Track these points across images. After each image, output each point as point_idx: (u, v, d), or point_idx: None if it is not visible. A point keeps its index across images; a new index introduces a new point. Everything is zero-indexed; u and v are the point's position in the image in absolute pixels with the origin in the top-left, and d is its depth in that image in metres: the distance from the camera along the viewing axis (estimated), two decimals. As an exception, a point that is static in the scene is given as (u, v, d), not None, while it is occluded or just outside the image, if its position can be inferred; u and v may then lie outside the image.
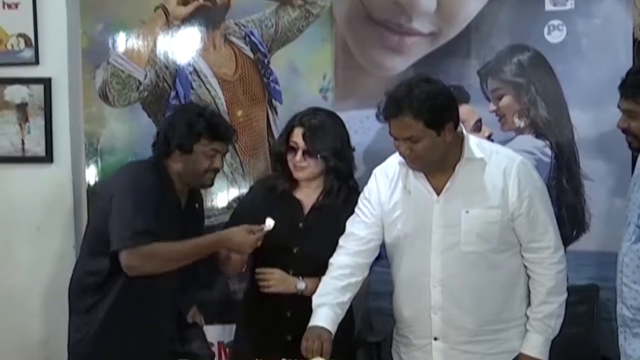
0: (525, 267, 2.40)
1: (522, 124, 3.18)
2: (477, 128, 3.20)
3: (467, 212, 2.34)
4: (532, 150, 3.18)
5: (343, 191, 2.64)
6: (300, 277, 2.59)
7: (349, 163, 2.66)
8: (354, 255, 2.48)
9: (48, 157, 3.26)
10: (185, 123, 2.58)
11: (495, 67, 3.20)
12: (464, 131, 2.40)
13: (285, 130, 2.70)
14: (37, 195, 3.21)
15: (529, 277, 2.41)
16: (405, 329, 2.48)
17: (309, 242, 2.59)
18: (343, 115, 3.09)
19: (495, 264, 2.37)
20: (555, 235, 2.39)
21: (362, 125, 3.21)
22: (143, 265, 2.45)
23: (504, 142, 3.15)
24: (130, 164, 2.79)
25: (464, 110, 3.07)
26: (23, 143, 3.27)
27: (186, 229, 2.58)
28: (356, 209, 2.50)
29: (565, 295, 2.41)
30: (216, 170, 2.63)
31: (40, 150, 3.26)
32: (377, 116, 2.39)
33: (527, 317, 2.40)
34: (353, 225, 2.50)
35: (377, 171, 2.51)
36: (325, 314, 2.40)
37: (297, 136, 2.63)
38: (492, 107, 3.22)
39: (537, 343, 2.37)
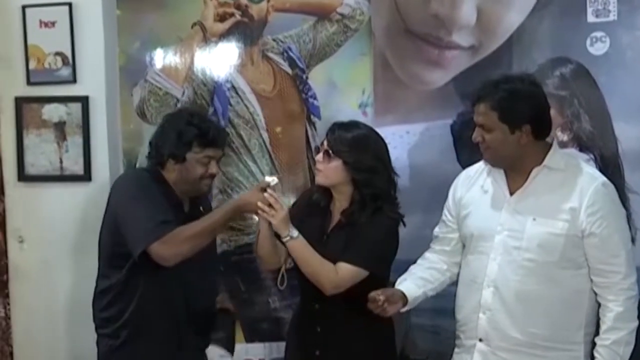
0: (595, 293, 2.58)
1: (565, 138, 3.43)
2: None
3: (534, 219, 2.57)
4: None
5: (367, 210, 2.79)
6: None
7: (380, 181, 2.80)
8: (437, 253, 2.86)
9: (86, 175, 3.57)
10: (175, 132, 2.79)
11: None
12: (554, 142, 2.66)
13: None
14: (75, 214, 3.50)
15: (599, 304, 2.59)
16: (459, 328, 2.79)
17: (327, 258, 2.76)
18: (383, 131, 3.26)
19: (555, 279, 2.57)
20: (628, 261, 2.57)
21: (402, 141, 3.50)
22: (177, 250, 2.68)
23: None
24: (123, 174, 3.03)
25: None
26: (61, 162, 3.57)
27: None
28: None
29: (635, 324, 2.58)
30: (212, 176, 2.85)
31: (79, 169, 3.57)
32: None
33: (594, 344, 2.58)
34: (438, 225, 2.89)
35: (464, 171, 2.85)
36: (404, 284, 2.76)
37: (325, 139, 2.88)
38: None
39: None
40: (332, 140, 2.84)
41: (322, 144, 2.88)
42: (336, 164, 2.82)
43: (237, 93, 3.60)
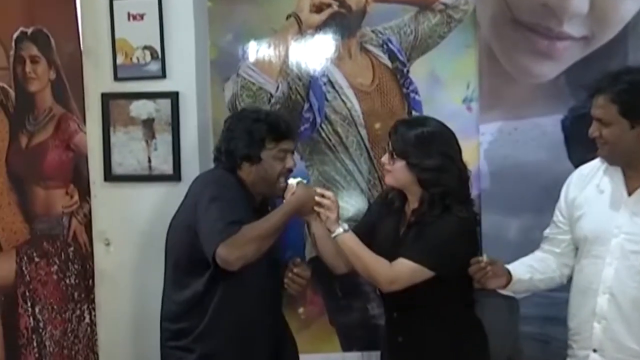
0: None
1: None
2: None
3: None
4: None
5: (435, 209, 2.80)
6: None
7: (449, 180, 2.80)
8: (547, 253, 2.87)
9: (176, 175, 3.55)
10: (245, 132, 2.84)
11: None
12: None
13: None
14: (164, 216, 3.33)
15: None
16: (571, 337, 2.78)
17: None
18: (489, 127, 3.49)
19: None
20: None
21: (511, 138, 3.49)
22: (241, 253, 2.71)
23: None
24: (202, 173, 3.03)
25: None
26: (150, 161, 3.57)
27: None
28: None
29: None
30: (290, 171, 2.90)
31: (168, 168, 3.56)
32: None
33: None
34: (549, 227, 2.88)
35: (577, 169, 2.84)
36: (511, 265, 2.79)
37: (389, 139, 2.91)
38: None
39: None
40: (395, 140, 2.87)
41: (388, 144, 2.92)
42: (400, 164, 2.85)
43: (334, 88, 3.61)
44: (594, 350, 2.68)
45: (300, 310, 3.69)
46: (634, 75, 2.58)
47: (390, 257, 2.79)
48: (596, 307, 2.64)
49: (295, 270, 2.94)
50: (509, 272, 2.76)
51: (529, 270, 2.83)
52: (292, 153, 2.95)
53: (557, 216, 2.86)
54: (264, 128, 2.86)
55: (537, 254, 2.90)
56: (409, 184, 2.86)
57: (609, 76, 2.60)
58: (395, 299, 2.84)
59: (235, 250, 2.72)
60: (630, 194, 2.64)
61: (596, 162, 2.76)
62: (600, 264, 2.65)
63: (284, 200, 2.88)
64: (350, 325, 3.64)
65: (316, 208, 2.82)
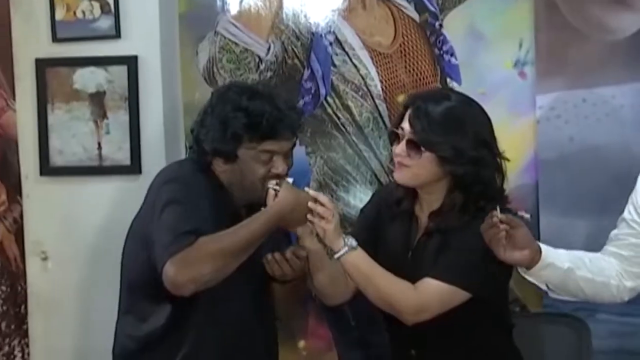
0: None
1: None
2: None
3: None
4: None
5: (467, 213, 2.60)
6: None
7: (488, 173, 2.61)
8: (610, 255, 2.60)
9: (134, 166, 3.37)
10: (219, 121, 2.63)
11: None
12: None
13: (399, 114, 2.71)
14: (120, 222, 3.06)
15: None
16: None
17: (417, 278, 2.58)
18: (549, 98, 3.25)
19: None
20: None
21: (577, 112, 3.24)
22: (193, 274, 2.48)
23: None
24: (167, 167, 2.88)
25: None
26: (100, 147, 3.40)
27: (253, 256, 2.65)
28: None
29: None
30: (278, 177, 2.66)
31: (124, 158, 3.38)
32: None
33: None
34: (617, 226, 2.64)
35: None
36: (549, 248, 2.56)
37: (405, 120, 2.63)
38: None
39: None
40: (419, 124, 2.57)
41: (398, 126, 2.65)
42: (427, 158, 2.57)
43: (343, 49, 3.39)
44: None
45: (301, 344, 3.48)
46: None
47: (402, 274, 2.58)
48: None
49: (289, 254, 2.67)
50: (539, 250, 2.49)
51: (574, 260, 2.55)
52: (286, 155, 2.70)
53: (631, 213, 2.62)
54: (241, 121, 2.60)
55: (596, 254, 2.67)
56: (432, 181, 2.60)
57: None
58: (413, 332, 2.60)
59: (185, 270, 2.48)
60: None
61: None
62: None
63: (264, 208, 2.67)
64: None
65: (309, 217, 2.57)
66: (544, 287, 2.53)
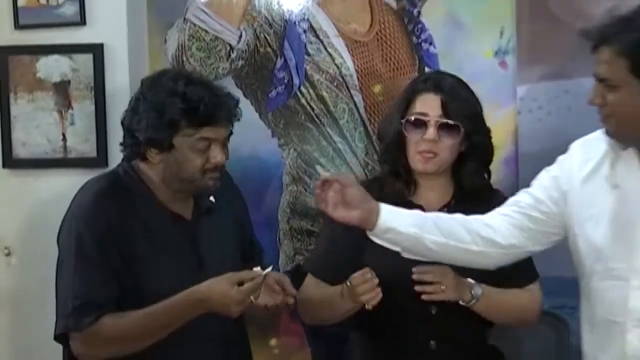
0: None
1: None
2: None
3: None
4: None
5: (486, 189, 2.71)
6: (474, 281, 2.66)
7: (490, 145, 2.74)
8: (498, 214, 2.57)
9: (100, 158, 3.36)
10: (154, 108, 2.57)
11: None
12: None
13: (403, 100, 2.74)
14: None
15: None
16: None
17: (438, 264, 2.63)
18: (530, 89, 3.27)
19: None
20: None
21: (560, 103, 3.24)
22: (94, 352, 2.52)
23: None
24: (81, 189, 2.75)
25: None
26: (64, 139, 3.39)
27: (202, 242, 2.63)
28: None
29: None
30: (217, 167, 2.63)
31: (89, 150, 3.38)
32: None
33: None
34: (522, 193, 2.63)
35: (576, 146, 2.59)
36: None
37: (428, 104, 2.66)
38: None
39: None
40: (454, 107, 2.65)
41: (415, 113, 2.68)
42: (454, 140, 2.67)
43: (317, 37, 3.40)
44: None
45: (272, 342, 3.50)
46: None
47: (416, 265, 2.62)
48: (626, 347, 2.44)
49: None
50: (375, 211, 2.47)
51: (423, 225, 2.51)
52: (223, 143, 2.65)
53: (540, 183, 2.59)
54: (178, 107, 2.53)
55: (459, 216, 2.62)
56: (450, 164, 2.73)
57: (619, 21, 2.36)
58: (430, 323, 2.67)
59: (87, 349, 2.53)
60: None
61: (602, 144, 2.50)
62: (623, 287, 2.43)
63: (196, 288, 2.51)
64: None
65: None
66: (397, 249, 2.52)
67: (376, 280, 2.60)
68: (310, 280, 2.81)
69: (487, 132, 2.76)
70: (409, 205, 2.66)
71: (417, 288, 2.58)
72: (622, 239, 2.42)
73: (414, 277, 2.58)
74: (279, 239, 3.46)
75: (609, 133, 2.42)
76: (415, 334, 2.70)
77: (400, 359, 2.74)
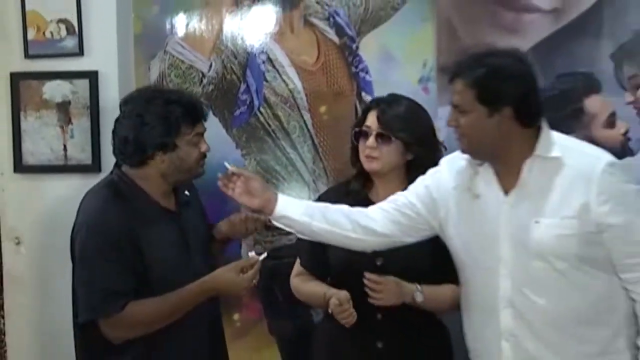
0: (627, 290, 2.55)
1: None
2: (610, 123, 3.47)
3: (537, 222, 2.52)
4: None
5: None
6: (417, 285, 2.84)
7: (437, 157, 2.86)
8: (378, 208, 2.76)
9: (95, 165, 3.59)
10: (159, 118, 2.75)
11: (632, 50, 3.42)
12: (544, 125, 2.57)
13: (361, 115, 3.00)
14: None
15: (633, 301, 2.56)
16: (475, 359, 2.75)
17: (394, 252, 2.79)
18: (448, 109, 3.26)
19: (578, 285, 2.53)
20: None
21: None
22: (123, 334, 2.73)
23: None
24: (88, 197, 2.90)
25: (594, 102, 3.46)
26: (65, 149, 3.62)
27: (187, 229, 2.86)
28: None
29: None
30: (204, 156, 2.85)
31: (86, 158, 3.61)
32: None
33: (638, 348, 2.56)
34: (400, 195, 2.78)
35: (444, 161, 2.76)
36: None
37: (371, 119, 2.92)
38: (629, 97, 3.45)
39: None
40: (387, 120, 2.90)
41: (363, 125, 2.93)
42: (395, 146, 2.89)
43: (273, 66, 3.63)
44: None
45: (236, 316, 3.72)
46: (496, 58, 2.54)
47: (376, 253, 2.83)
48: (500, 325, 2.60)
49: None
50: (274, 200, 2.71)
51: (312, 213, 2.73)
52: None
53: (419, 196, 2.76)
54: (179, 111, 2.78)
55: (344, 208, 2.80)
56: (396, 167, 2.93)
57: (470, 59, 2.56)
58: (381, 324, 2.91)
59: (118, 331, 2.74)
60: (506, 193, 2.59)
61: (462, 160, 2.69)
62: (494, 275, 2.60)
63: (207, 277, 2.79)
64: (292, 334, 3.66)
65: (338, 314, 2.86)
66: (292, 231, 2.75)
67: (352, 310, 2.81)
68: (301, 270, 3.06)
69: (433, 146, 2.93)
70: (366, 201, 2.87)
71: (366, 289, 2.80)
72: (486, 238, 2.59)
73: (365, 281, 2.79)
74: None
75: (463, 150, 2.60)
76: (364, 307, 2.84)
77: (355, 330, 2.87)
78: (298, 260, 3.08)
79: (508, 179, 2.57)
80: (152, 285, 2.74)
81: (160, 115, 2.76)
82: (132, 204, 2.79)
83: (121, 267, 2.70)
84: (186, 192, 2.94)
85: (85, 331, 2.79)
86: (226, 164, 2.68)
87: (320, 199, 3.08)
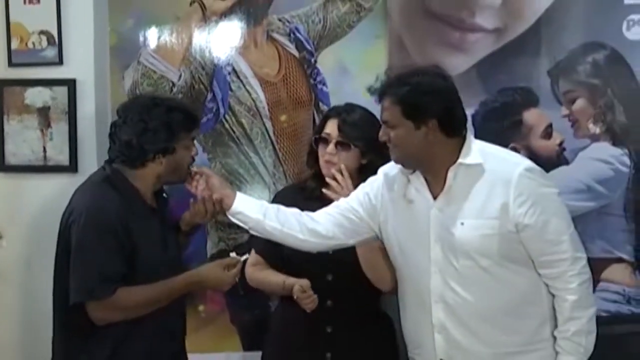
0: (547, 285, 2.72)
1: (597, 130, 3.65)
2: (547, 134, 3.70)
3: (462, 223, 2.68)
4: (609, 160, 3.67)
5: None
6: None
7: (386, 161, 2.96)
8: (324, 212, 2.92)
9: (72, 166, 3.72)
10: (162, 124, 2.86)
11: (567, 67, 3.64)
12: (468, 134, 2.75)
13: (320, 123, 3.15)
14: (60, 209, 3.17)
15: (553, 295, 2.72)
16: (413, 350, 2.90)
17: (344, 248, 2.95)
18: None
19: (503, 280, 2.69)
20: (572, 244, 2.69)
21: None
22: (112, 316, 2.82)
23: (577, 150, 3.68)
24: (80, 189, 2.97)
25: (532, 114, 3.68)
26: (45, 151, 3.72)
27: (165, 226, 2.98)
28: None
29: (593, 309, 2.72)
30: (193, 160, 2.97)
31: (64, 159, 3.72)
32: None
33: (555, 338, 2.73)
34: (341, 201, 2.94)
35: (381, 170, 2.92)
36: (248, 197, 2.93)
37: (331, 127, 3.07)
38: (565, 111, 3.66)
39: None
40: (346, 129, 3.08)
41: (322, 134, 3.09)
42: (353, 152, 3.08)
43: (238, 77, 3.75)
44: None
45: (200, 307, 3.81)
46: (419, 77, 2.70)
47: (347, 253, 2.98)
48: (433, 318, 2.75)
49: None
50: (233, 197, 2.87)
51: (266, 212, 2.87)
52: None
53: (360, 202, 2.91)
54: (180, 117, 2.92)
55: (295, 211, 2.96)
56: (352, 171, 3.08)
57: (395, 79, 2.73)
58: (330, 287, 3.06)
59: (104, 313, 2.83)
60: (435, 198, 2.75)
61: (395, 170, 2.85)
62: (425, 273, 2.75)
63: (195, 272, 2.95)
64: (252, 324, 3.77)
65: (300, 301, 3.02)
66: (246, 227, 2.89)
67: (315, 296, 2.97)
68: (256, 259, 3.19)
69: (383, 152, 2.93)
70: (325, 200, 3.01)
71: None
72: (419, 239, 2.76)
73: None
74: (207, 230, 3.74)
75: (395, 161, 2.77)
76: (315, 293, 3.00)
77: (306, 316, 3.03)
78: (253, 251, 3.19)
79: (436, 185, 2.74)
80: (136, 275, 2.85)
81: (163, 121, 2.88)
82: (125, 198, 2.88)
83: (115, 254, 2.80)
84: (164, 195, 3.07)
85: (70, 314, 2.87)
86: (193, 169, 2.91)
87: (276, 196, 3.25)
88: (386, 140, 2.73)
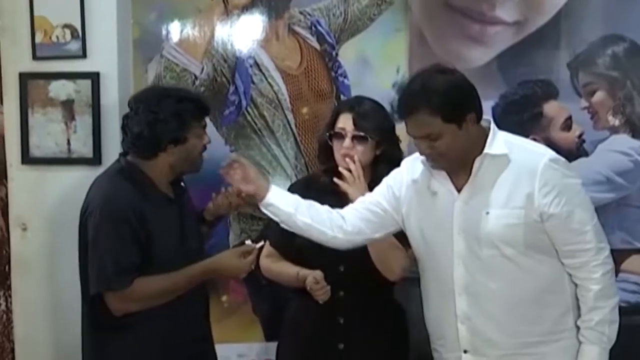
0: (570, 275, 2.72)
1: (616, 122, 3.71)
2: (566, 126, 3.75)
3: (487, 213, 2.68)
4: (628, 151, 3.72)
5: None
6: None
7: (398, 150, 3.09)
8: (350, 209, 2.92)
9: (96, 158, 3.76)
10: (173, 114, 2.89)
11: (587, 60, 3.70)
12: (492, 125, 2.73)
13: (331, 118, 3.16)
14: (83, 199, 3.25)
15: (576, 285, 2.73)
16: (436, 342, 2.90)
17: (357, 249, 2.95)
18: None
19: (527, 269, 2.69)
20: (596, 235, 2.70)
21: None
22: (129, 307, 2.86)
23: (597, 142, 3.73)
24: (96, 183, 3.00)
25: (552, 106, 3.72)
26: (69, 143, 3.77)
27: (183, 216, 3.00)
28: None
29: (616, 299, 2.73)
30: (205, 148, 2.99)
31: (88, 151, 3.77)
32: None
33: (578, 328, 2.73)
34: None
35: (404, 163, 2.93)
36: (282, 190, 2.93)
37: (345, 122, 3.09)
38: (584, 103, 3.72)
39: (593, 355, 2.71)
40: (362, 122, 3.10)
41: (337, 129, 3.11)
42: (370, 145, 3.10)
43: (260, 70, 3.80)
44: (465, 351, 2.79)
45: (224, 298, 3.87)
46: (438, 80, 2.66)
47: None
48: (457, 309, 2.76)
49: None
50: (267, 188, 2.87)
51: (298, 207, 2.87)
52: None
53: (383, 195, 2.92)
54: (190, 107, 2.95)
55: (327, 208, 2.95)
56: (368, 163, 3.11)
57: (415, 92, 2.67)
58: (341, 277, 3.07)
59: (123, 304, 2.87)
60: (459, 190, 2.76)
61: (419, 162, 2.84)
62: (449, 265, 2.77)
63: (211, 260, 2.97)
64: (274, 314, 3.74)
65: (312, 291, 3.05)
66: (277, 220, 2.89)
67: (328, 287, 3.00)
68: (270, 251, 3.21)
69: (395, 141, 3.12)
70: (339, 194, 3.05)
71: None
72: (442, 231, 2.76)
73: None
74: (229, 222, 3.79)
75: (439, 168, 2.73)
76: (328, 285, 3.03)
77: (318, 307, 3.06)
78: (267, 243, 3.21)
79: (459, 177, 2.75)
80: (153, 264, 2.88)
81: (174, 111, 2.92)
82: (141, 189, 2.92)
83: (131, 245, 2.84)
84: (182, 184, 3.10)
85: (93, 306, 2.92)
86: (231, 155, 2.93)
87: (289, 189, 3.21)
88: (430, 154, 2.70)
